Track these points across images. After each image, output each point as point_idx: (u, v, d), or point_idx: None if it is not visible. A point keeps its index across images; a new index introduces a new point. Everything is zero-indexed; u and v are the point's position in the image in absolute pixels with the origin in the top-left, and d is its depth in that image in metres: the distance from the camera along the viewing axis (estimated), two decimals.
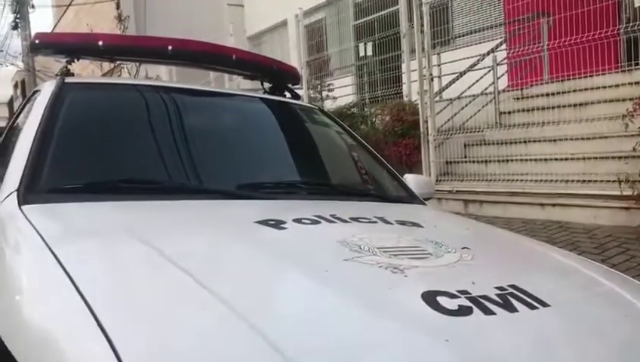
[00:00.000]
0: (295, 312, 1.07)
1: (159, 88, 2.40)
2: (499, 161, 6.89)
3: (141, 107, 2.14)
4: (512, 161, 6.77)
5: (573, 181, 5.94)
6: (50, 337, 0.99)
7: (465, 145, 7.45)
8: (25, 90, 18.10)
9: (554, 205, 5.90)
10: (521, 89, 7.42)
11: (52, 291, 1.11)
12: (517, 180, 6.48)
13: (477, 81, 7.46)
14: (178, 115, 2.14)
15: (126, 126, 2.06)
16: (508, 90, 7.63)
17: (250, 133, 2.30)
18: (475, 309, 1.11)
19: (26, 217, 1.48)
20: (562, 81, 6.68)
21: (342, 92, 10.39)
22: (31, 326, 1.06)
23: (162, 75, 13.40)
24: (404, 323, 1.05)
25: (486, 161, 7.03)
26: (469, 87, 7.50)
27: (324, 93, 10.51)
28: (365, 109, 9.87)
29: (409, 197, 2.35)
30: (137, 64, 10.54)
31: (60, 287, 1.09)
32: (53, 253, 1.21)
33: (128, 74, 12.43)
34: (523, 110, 7.09)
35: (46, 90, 2.14)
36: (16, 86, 30.15)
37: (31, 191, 1.65)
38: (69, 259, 1.17)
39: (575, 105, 6.35)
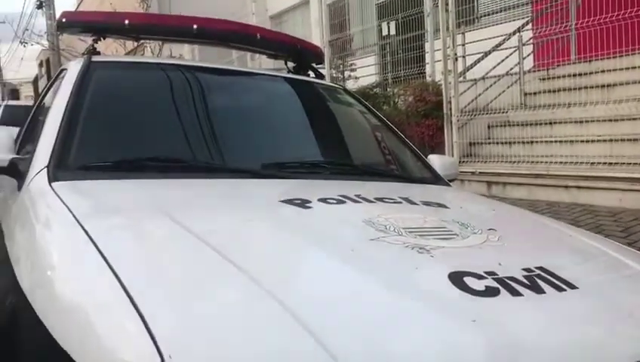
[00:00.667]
0: (321, 290, 1.08)
1: (185, 67, 2.41)
2: (523, 142, 6.80)
3: (167, 86, 2.15)
4: (536, 142, 6.68)
5: (598, 163, 5.84)
6: (83, 312, 1.01)
7: (489, 127, 7.37)
8: (49, 68, 18.28)
9: (579, 188, 5.82)
10: (547, 69, 7.29)
11: (84, 267, 1.13)
12: (541, 162, 6.40)
13: (502, 61, 7.34)
14: (204, 94, 2.15)
15: (152, 104, 2.08)
16: (533, 71, 7.50)
17: (275, 112, 2.30)
18: (502, 290, 1.10)
19: (56, 194, 1.51)
20: (590, 61, 6.55)
21: (364, 72, 10.31)
22: (64, 301, 1.08)
23: (185, 54, 13.43)
24: (431, 303, 1.05)
25: (510, 143, 6.94)
26: (494, 68, 7.38)
27: (347, 73, 10.45)
28: (388, 89, 9.79)
29: (433, 178, 2.34)
30: (160, 43, 10.57)
31: (91, 263, 1.11)
32: (84, 229, 1.23)
33: (151, 53, 12.47)
34: (549, 91, 6.97)
35: (73, 69, 2.16)
36: (40, 65, 30.47)
37: (61, 169, 1.68)
38: (100, 236, 1.19)
39: (603, 86, 6.23)
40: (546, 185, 6.12)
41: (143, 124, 2.01)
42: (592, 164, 5.89)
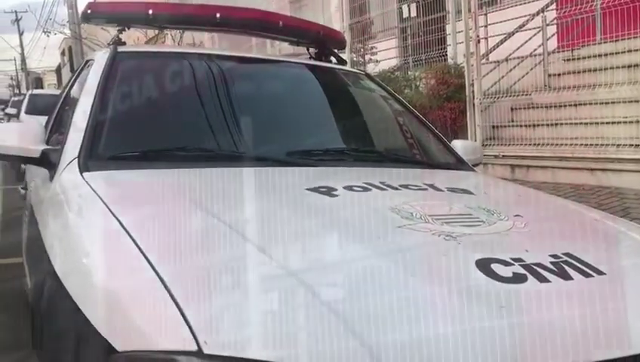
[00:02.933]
0: (349, 277, 1.09)
1: (209, 56, 2.43)
2: (547, 124, 6.71)
3: (193, 76, 2.18)
4: (560, 124, 6.59)
5: (625, 145, 5.75)
6: (119, 299, 1.05)
7: (512, 109, 7.28)
8: (72, 57, 18.45)
9: (604, 170, 5.74)
10: (572, 50, 7.17)
11: (118, 255, 1.17)
12: (566, 145, 6.32)
13: (525, 42, 7.24)
14: (229, 83, 2.17)
15: (179, 94, 2.10)
16: (557, 52, 7.38)
17: (299, 100, 2.31)
18: (530, 277, 1.11)
19: (87, 184, 1.54)
20: (616, 41, 6.42)
21: (385, 55, 10.24)
22: (99, 287, 1.12)
23: (205, 41, 13.45)
24: (459, 290, 1.06)
25: (534, 125, 6.86)
26: (517, 49, 7.28)
27: (367, 57, 10.39)
28: (409, 73, 9.72)
29: (458, 163, 2.33)
30: (181, 31, 10.62)
31: (125, 251, 1.14)
32: (116, 218, 1.27)
33: (172, 41, 12.52)
34: (573, 72, 6.86)
35: (100, 59, 2.19)
36: (63, 53, 30.79)
37: (91, 159, 1.71)
38: (133, 224, 1.23)
39: (629, 66, 6.10)
40: (571, 168, 6.05)
41: (170, 113, 2.04)
42: (618, 146, 5.80)
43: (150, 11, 2.46)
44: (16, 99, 19.19)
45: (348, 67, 2.90)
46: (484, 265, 1.13)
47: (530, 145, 6.74)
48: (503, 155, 6.87)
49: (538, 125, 6.82)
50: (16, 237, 3.02)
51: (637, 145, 5.65)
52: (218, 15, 2.48)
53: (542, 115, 6.84)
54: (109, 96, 1.96)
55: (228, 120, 2.01)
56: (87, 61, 2.56)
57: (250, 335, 0.92)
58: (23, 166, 3.51)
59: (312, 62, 2.74)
